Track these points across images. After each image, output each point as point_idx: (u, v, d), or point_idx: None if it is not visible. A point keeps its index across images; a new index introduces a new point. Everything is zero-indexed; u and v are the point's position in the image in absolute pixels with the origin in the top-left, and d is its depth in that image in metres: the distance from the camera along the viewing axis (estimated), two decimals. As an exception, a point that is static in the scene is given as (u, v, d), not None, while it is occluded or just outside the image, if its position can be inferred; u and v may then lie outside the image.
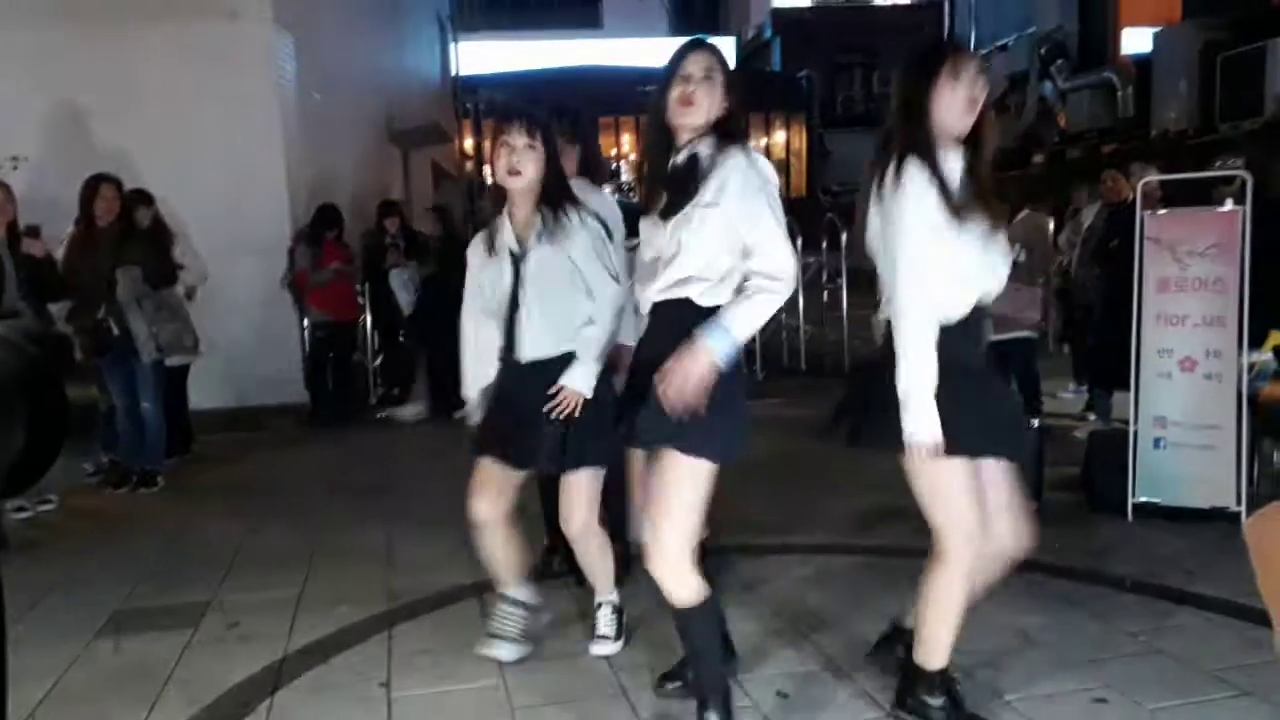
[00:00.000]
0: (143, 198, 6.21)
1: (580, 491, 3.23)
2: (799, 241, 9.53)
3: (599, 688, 3.16)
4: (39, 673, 3.36)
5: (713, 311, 2.51)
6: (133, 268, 5.69)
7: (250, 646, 3.57)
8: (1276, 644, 0.96)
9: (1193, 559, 4.12)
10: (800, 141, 25.94)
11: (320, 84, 9.23)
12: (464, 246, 3.43)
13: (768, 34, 32.27)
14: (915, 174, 2.50)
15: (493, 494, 3.23)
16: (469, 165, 20.87)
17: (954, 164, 2.55)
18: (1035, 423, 4.85)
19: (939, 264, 2.50)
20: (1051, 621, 3.55)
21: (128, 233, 5.79)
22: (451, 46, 19.29)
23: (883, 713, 2.91)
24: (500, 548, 3.32)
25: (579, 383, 3.09)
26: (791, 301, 9.64)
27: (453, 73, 19.31)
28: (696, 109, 2.57)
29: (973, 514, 2.61)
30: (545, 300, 3.12)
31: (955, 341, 2.54)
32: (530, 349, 3.14)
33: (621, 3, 33.84)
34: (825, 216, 10.04)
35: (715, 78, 2.59)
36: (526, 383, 3.12)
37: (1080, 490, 5.02)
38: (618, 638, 3.45)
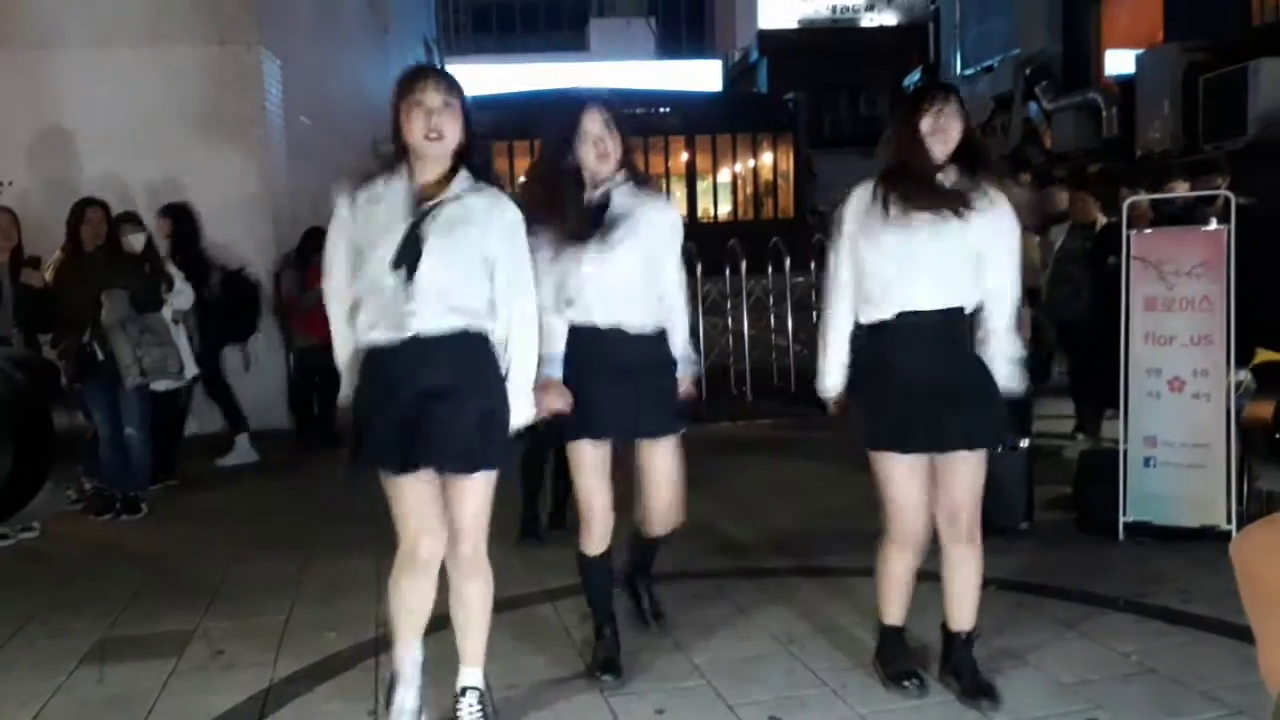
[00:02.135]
0: (130, 219, 6.17)
1: (478, 498, 2.81)
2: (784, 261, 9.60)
3: (592, 715, 3.13)
4: (21, 702, 3.31)
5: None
6: (119, 292, 5.66)
7: (235, 675, 3.53)
8: (1259, 662, 0.96)
9: (1185, 578, 4.11)
10: (788, 163, 26.04)
11: (307, 108, 9.23)
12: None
13: (754, 56, 32.52)
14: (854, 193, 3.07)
15: (434, 519, 2.76)
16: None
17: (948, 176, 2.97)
18: (1024, 443, 4.84)
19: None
20: (1043, 641, 3.54)
21: (115, 256, 5.76)
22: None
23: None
24: (429, 592, 2.84)
25: (526, 411, 2.88)
26: (780, 321, 9.75)
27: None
28: (611, 159, 3.13)
29: (894, 504, 3.04)
30: (451, 262, 2.68)
31: (883, 343, 2.98)
32: (425, 319, 2.66)
33: (608, 25, 34.07)
34: (813, 237, 10.06)
35: (612, 127, 3.11)
36: (416, 370, 2.68)
37: (1071, 510, 5.02)
38: None
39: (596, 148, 3.08)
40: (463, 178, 2.75)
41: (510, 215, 2.80)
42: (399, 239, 2.66)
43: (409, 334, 2.67)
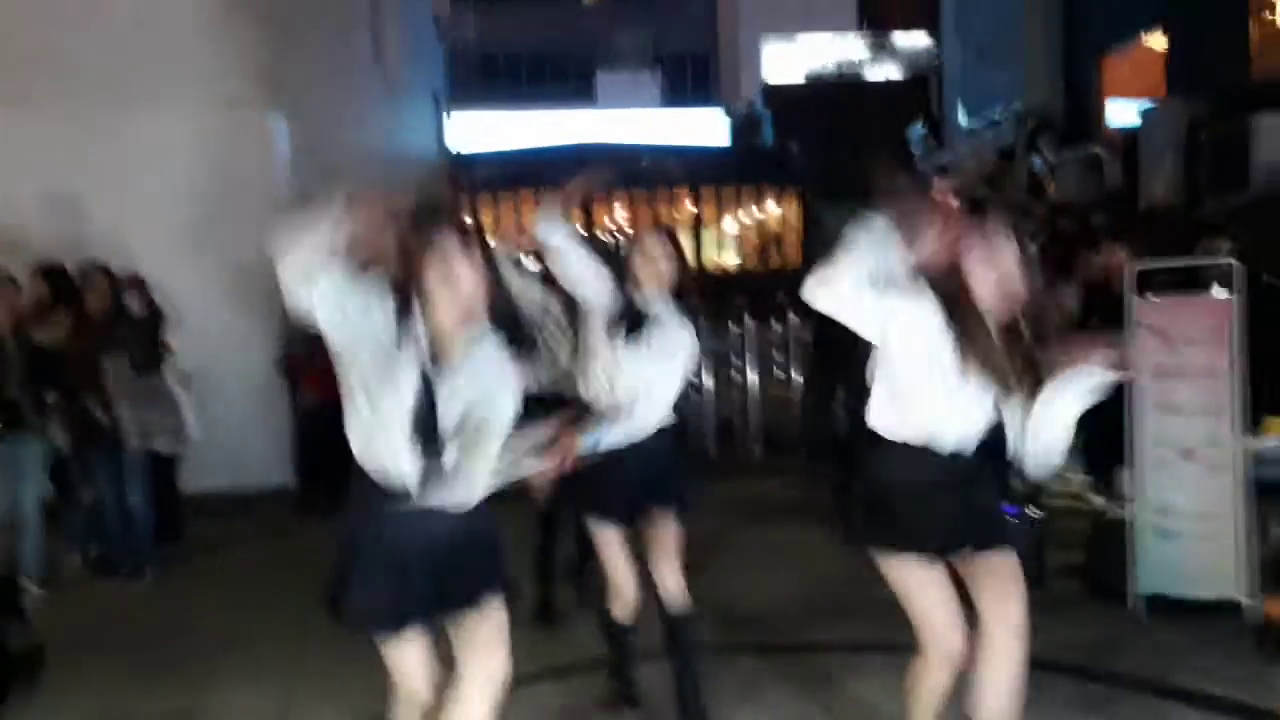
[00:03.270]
0: (133, 282, 6.19)
1: (498, 633, 2.61)
2: (787, 314, 9.51)
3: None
4: (12, 786, 3.26)
5: None
6: (120, 354, 5.67)
7: (233, 755, 3.47)
8: None
9: (1195, 655, 4.03)
10: (792, 214, 26.21)
11: (315, 165, 9.30)
12: None
13: (759, 108, 32.78)
14: None
15: (424, 667, 2.63)
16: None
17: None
18: (1037, 511, 4.78)
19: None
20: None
21: (118, 320, 5.79)
22: (445, 122, 19.56)
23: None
24: None
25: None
26: (786, 378, 9.67)
27: (447, 148, 19.57)
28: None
29: (933, 612, 2.75)
30: (480, 433, 2.54)
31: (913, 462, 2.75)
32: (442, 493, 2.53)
33: (615, 77, 34.43)
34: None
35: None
36: (425, 528, 2.60)
37: (1082, 577, 4.94)
38: None
39: (650, 268, 3.43)
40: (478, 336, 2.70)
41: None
42: (410, 397, 2.66)
43: None
